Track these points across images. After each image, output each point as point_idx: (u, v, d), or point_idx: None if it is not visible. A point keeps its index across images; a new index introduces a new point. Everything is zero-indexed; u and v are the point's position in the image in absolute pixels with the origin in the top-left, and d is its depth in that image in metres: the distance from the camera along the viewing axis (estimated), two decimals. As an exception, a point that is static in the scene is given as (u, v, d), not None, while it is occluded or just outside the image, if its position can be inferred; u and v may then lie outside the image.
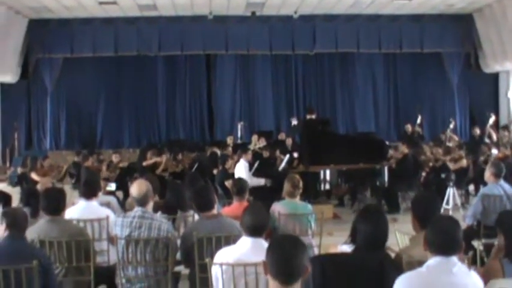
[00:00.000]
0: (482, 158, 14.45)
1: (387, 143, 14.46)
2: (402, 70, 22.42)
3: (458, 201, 11.52)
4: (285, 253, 3.21)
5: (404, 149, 14.16)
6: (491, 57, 20.56)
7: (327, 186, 13.02)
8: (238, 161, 13.22)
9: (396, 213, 13.11)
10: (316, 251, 7.08)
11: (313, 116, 14.06)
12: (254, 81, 21.99)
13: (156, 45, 20.38)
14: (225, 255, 4.57)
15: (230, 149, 15.85)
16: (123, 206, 13.56)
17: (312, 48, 20.93)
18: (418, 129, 18.84)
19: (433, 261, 3.75)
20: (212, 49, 20.92)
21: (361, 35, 20.80)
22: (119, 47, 20.25)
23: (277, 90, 22.07)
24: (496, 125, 18.99)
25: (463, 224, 8.21)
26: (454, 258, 3.73)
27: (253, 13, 20.00)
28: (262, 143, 16.85)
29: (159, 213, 6.76)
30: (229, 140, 17.75)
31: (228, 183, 12.09)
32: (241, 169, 12.64)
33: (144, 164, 14.46)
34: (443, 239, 3.74)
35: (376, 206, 6.15)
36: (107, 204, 7.71)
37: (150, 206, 5.93)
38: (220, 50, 20.88)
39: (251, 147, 16.35)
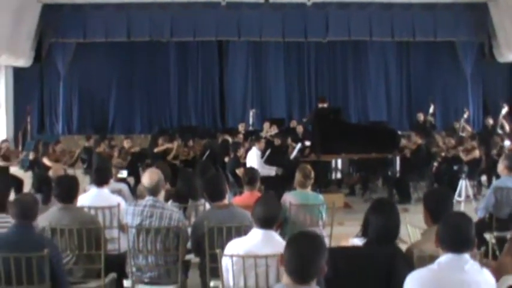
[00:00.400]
0: (495, 150, 14.38)
1: (399, 132, 14.36)
2: (415, 59, 22.27)
3: (471, 193, 11.44)
4: (303, 253, 3.23)
5: (417, 139, 14.12)
6: (505, 47, 20.36)
7: (338, 176, 13.00)
8: (250, 148, 13.21)
9: (407, 204, 13.10)
10: (326, 242, 7.06)
11: (325, 105, 13.99)
12: (266, 68, 21.92)
13: (168, 31, 20.29)
14: (236, 247, 4.58)
15: (241, 136, 15.81)
16: (134, 192, 13.70)
17: (325, 36, 20.80)
18: (430, 118, 18.69)
19: (445, 258, 3.72)
20: (224, 36, 20.83)
21: (374, 23, 20.64)
22: (132, 32, 20.20)
23: (290, 77, 21.99)
24: (510, 116, 18.85)
25: (475, 217, 8.20)
26: (466, 256, 3.70)
27: (267, 0, 19.90)
28: (274, 130, 16.81)
29: (170, 202, 6.78)
30: (241, 127, 17.70)
31: (239, 171, 12.10)
32: (253, 157, 12.63)
33: (156, 150, 14.47)
34: (456, 236, 3.71)
35: (388, 199, 6.13)
36: (118, 192, 7.73)
37: (162, 195, 5.94)
38: (232, 37, 20.80)
39: (263, 134, 16.33)
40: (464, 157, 13.24)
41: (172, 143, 14.81)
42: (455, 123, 18.43)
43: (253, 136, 15.06)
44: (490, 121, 18.08)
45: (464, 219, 3.80)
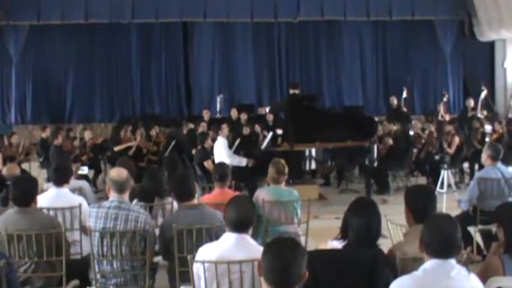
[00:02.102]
0: (475, 136, 14.61)
1: (376, 119, 14.44)
2: (392, 39, 22.39)
3: (452, 182, 11.54)
4: (283, 262, 3.22)
5: (391, 126, 14.27)
6: (486, 25, 20.52)
7: (313, 166, 13.04)
8: (214, 138, 13.19)
9: (386, 194, 13.23)
10: (302, 240, 7.08)
11: (297, 91, 13.96)
12: (234, 51, 21.88)
13: (129, 12, 20.15)
14: (208, 252, 4.54)
15: (204, 124, 15.62)
16: (95, 184, 13.63)
17: (296, 16, 20.80)
18: (402, 104, 18.63)
19: (430, 264, 3.73)
20: (189, 17, 20.74)
21: (348, 1, 20.69)
22: (90, 13, 19.98)
23: (259, 61, 21.98)
24: (490, 98, 19.01)
25: (458, 209, 8.29)
26: (452, 261, 3.71)
27: (234, -23, 19.85)
28: (244, 117, 16.75)
29: (135, 201, 6.73)
30: (205, 115, 17.36)
31: (207, 164, 12.07)
32: (220, 147, 12.57)
33: (116, 149, 14.26)
34: (441, 241, 3.72)
35: (368, 198, 6.10)
36: (79, 190, 7.65)
37: (127, 194, 5.89)
38: (198, 18, 20.69)
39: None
40: (449, 150, 13.38)
41: (135, 138, 14.67)
42: (439, 106, 18.43)
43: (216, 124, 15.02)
44: (471, 103, 18.12)
45: (450, 222, 3.81)
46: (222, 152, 12.43)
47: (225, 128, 13.11)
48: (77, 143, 14.75)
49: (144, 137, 15.11)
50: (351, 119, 14.08)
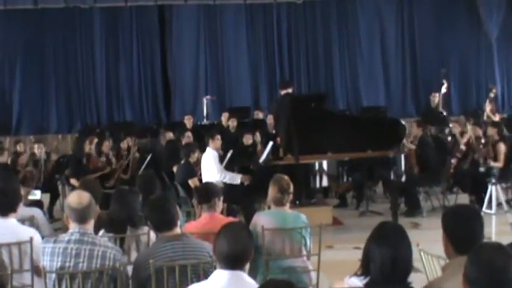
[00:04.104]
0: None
1: (403, 121, 14.43)
2: (421, 19, 22.46)
3: (503, 199, 11.51)
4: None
5: (417, 130, 14.25)
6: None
7: (324, 182, 13.00)
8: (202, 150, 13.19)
9: (418, 216, 13.20)
10: (313, 277, 7.08)
11: (290, 90, 13.95)
12: (224, 40, 22.00)
13: (91, -7, 20.29)
14: (195, 295, 4.55)
15: (189, 133, 15.58)
16: (51, 214, 13.61)
17: (299, -6, 20.98)
18: (438, 103, 18.46)
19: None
20: (167, -1, 20.89)
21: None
22: (40, -4, 20.11)
23: (255, 52, 22.10)
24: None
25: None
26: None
27: None
28: (233, 124, 16.74)
29: (101, 232, 6.71)
30: (188, 121, 17.44)
31: (192, 183, 12.07)
32: (208, 161, 12.55)
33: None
34: (491, 277, 3.68)
35: (395, 223, 6.08)
36: (30, 220, 7.64)
37: (91, 224, 5.88)
38: (177, 0, 20.75)
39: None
40: (495, 163, 13.28)
41: (106, 156, 14.67)
42: (485, 105, 18.31)
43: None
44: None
45: (502, 253, 3.77)
46: (211, 167, 12.41)
47: (217, 140, 13.01)
48: (25, 159, 14.70)
49: (112, 150, 15.10)
50: (372, 123, 14.07)
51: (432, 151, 14.22)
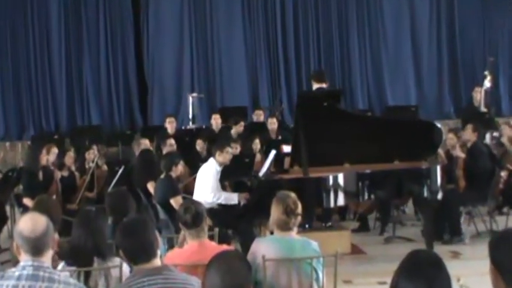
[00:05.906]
0: None
1: (439, 125, 14.41)
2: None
3: None
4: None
5: (471, 135, 14.15)
6: None
7: (340, 201, 12.99)
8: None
9: (458, 243, 13.19)
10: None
11: (324, 86, 13.83)
12: (214, 24, 22.10)
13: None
14: None
15: (172, 140, 15.57)
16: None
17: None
18: (480, 100, 18.39)
19: None
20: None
21: None
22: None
23: (253, 41, 22.22)
24: None
25: None
26: None
27: None
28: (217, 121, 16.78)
29: (61, 265, 6.70)
30: (169, 124, 17.47)
31: (175, 202, 12.04)
32: (208, 176, 12.57)
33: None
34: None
35: (430, 251, 6.05)
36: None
37: (49, 255, 5.84)
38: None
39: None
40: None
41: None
42: None
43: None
44: None
45: None
46: (207, 182, 12.42)
47: (227, 153, 12.91)
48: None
49: (75, 161, 15.12)
50: (399, 127, 14.06)
51: (485, 162, 14.09)
